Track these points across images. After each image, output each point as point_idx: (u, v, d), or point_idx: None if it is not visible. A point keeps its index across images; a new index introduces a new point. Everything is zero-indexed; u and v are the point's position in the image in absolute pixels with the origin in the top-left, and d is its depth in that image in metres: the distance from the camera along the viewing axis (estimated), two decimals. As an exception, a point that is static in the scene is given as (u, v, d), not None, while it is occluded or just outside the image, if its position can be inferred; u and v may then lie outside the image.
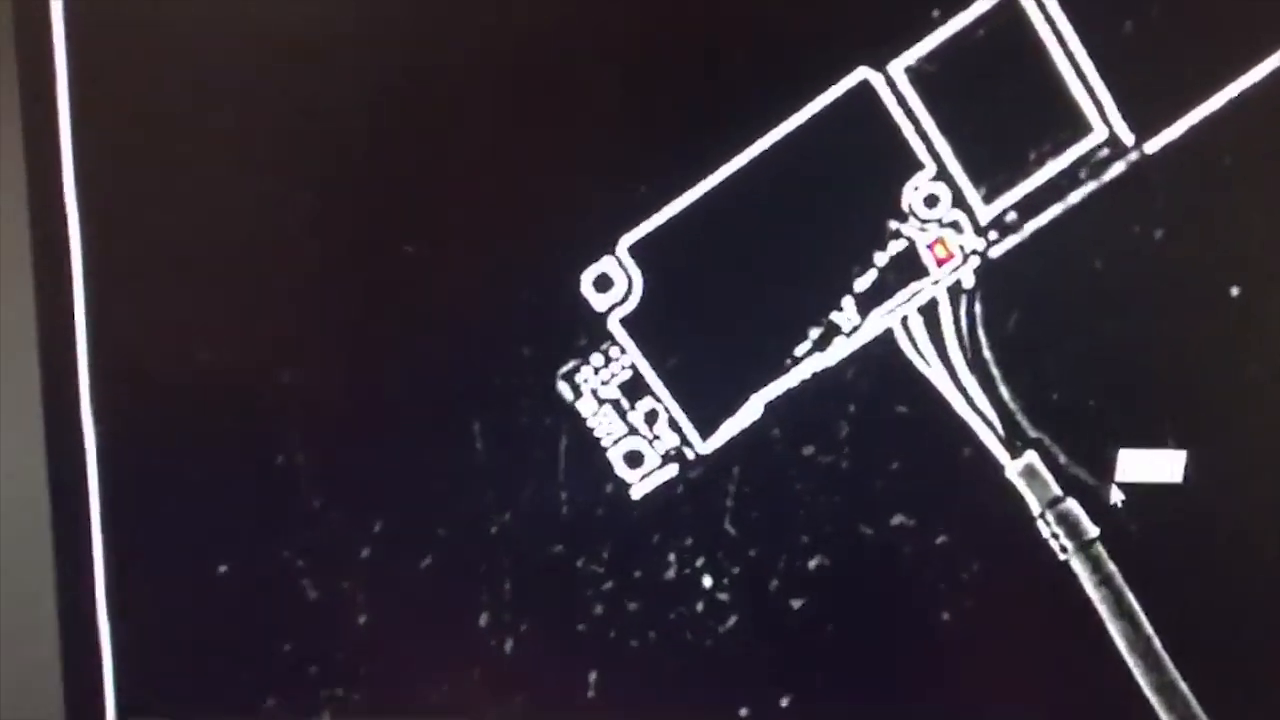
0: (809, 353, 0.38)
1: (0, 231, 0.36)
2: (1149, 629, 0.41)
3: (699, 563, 0.39)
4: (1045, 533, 0.40)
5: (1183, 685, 0.41)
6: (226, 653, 0.39)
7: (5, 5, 0.35)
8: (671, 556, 0.39)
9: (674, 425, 0.38)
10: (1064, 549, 0.40)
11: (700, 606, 0.39)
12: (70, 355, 0.36)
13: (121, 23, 0.35)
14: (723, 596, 0.39)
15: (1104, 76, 0.36)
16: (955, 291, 0.38)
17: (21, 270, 0.36)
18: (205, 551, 0.38)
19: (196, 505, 0.37)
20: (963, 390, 0.38)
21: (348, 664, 0.39)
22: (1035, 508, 0.39)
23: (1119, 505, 0.40)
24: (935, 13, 0.36)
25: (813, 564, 0.39)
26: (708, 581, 0.39)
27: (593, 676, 0.40)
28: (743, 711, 0.40)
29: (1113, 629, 0.41)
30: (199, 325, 0.37)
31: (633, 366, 0.37)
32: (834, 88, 0.36)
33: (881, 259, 0.37)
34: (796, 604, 0.40)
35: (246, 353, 0.37)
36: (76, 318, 0.36)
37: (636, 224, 0.37)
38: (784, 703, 0.40)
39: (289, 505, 0.37)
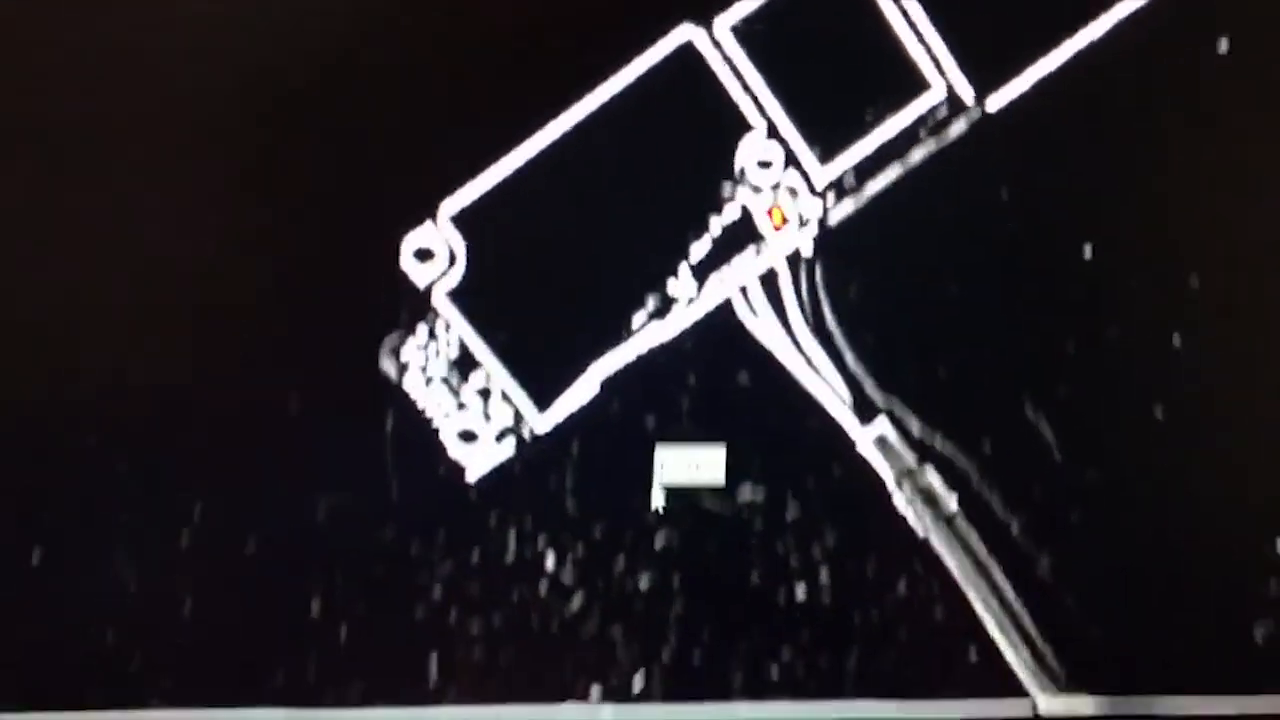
0: (646, 323, 0.37)
1: None
2: (1015, 602, 0.40)
3: (540, 543, 0.38)
4: (902, 504, 0.39)
5: (1052, 660, 0.40)
6: (48, 645, 0.37)
7: None
8: (511, 537, 0.38)
9: (508, 401, 0.37)
10: (921, 520, 0.39)
11: (544, 588, 0.38)
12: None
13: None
14: (566, 577, 0.38)
15: (942, 33, 0.35)
16: (794, 257, 0.37)
17: None
18: (19, 540, 0.36)
19: (6, 491, 0.36)
20: (808, 358, 0.37)
21: (174, 655, 0.37)
22: (890, 479, 0.38)
23: (976, 476, 0.39)
24: (762, -33, 0.35)
25: (659, 542, 0.38)
26: (550, 562, 0.38)
27: (433, 662, 0.38)
28: (593, 692, 0.39)
29: (975, 599, 0.40)
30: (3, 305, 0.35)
31: (460, 341, 0.36)
32: (657, 46, 0.35)
33: (717, 225, 0.36)
34: (644, 583, 0.38)
35: (56, 333, 0.35)
36: None
37: (457, 191, 0.35)
38: (636, 682, 0.39)
39: (105, 490, 0.36)
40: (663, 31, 0.35)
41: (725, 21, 0.35)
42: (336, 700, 0.38)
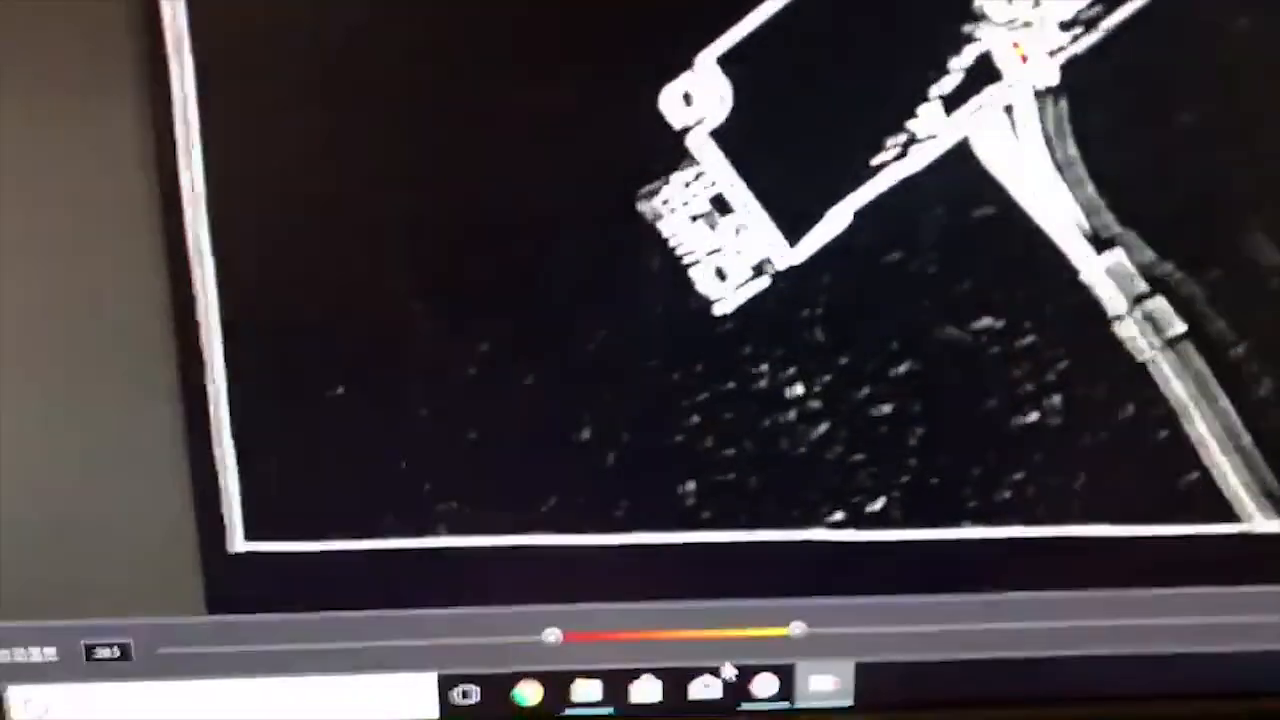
0: (892, 160, 0.38)
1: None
2: (1239, 423, 0.41)
3: (789, 372, 0.40)
4: (1132, 330, 0.40)
5: (1273, 481, 0.42)
6: (344, 475, 0.41)
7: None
8: (763, 367, 0.40)
9: (761, 238, 0.39)
10: (1150, 345, 0.40)
11: (792, 414, 0.41)
12: (178, 184, 0.38)
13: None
14: (814, 404, 0.41)
15: None
16: (1036, 91, 0.38)
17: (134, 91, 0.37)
18: (320, 377, 0.40)
19: (310, 333, 0.39)
20: (1046, 189, 0.39)
21: (460, 479, 0.41)
22: (1122, 306, 0.40)
23: (1206, 299, 0.40)
24: None
25: (901, 369, 0.40)
26: (799, 390, 0.41)
27: (691, 485, 0.41)
28: (836, 515, 0.42)
29: (1198, 426, 0.41)
30: (309, 151, 0.38)
31: (717, 182, 0.38)
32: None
33: (960, 63, 0.38)
34: (886, 409, 0.41)
35: (353, 180, 0.38)
36: (191, 142, 0.37)
37: (717, 37, 0.37)
38: (876, 506, 0.42)
39: (399, 327, 0.39)
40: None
41: None
42: (602, 526, 0.42)
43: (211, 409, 0.40)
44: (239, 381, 0.39)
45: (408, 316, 0.39)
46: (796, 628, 0.44)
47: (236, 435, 0.40)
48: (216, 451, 0.40)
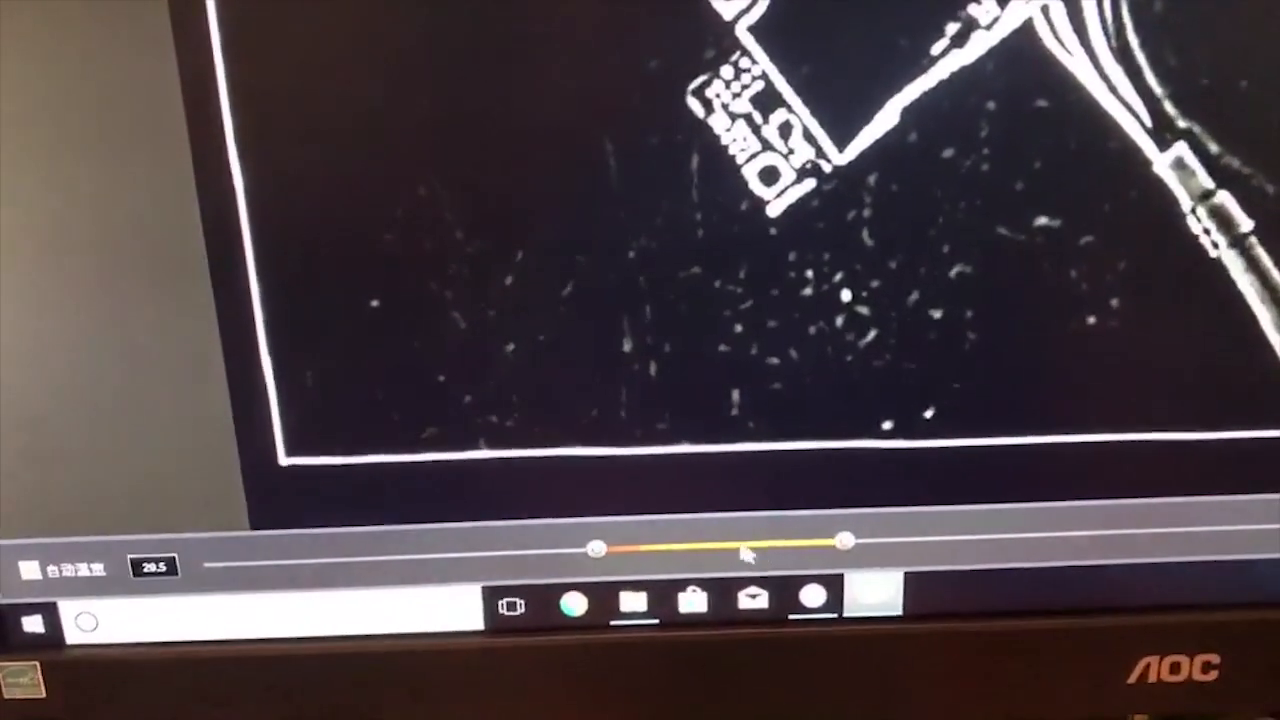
0: (946, 50, 0.37)
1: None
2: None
3: (837, 278, 0.39)
4: (1196, 228, 0.39)
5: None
6: (384, 388, 0.40)
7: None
8: (810, 273, 0.39)
9: (809, 137, 0.37)
10: (1215, 244, 0.39)
11: (840, 321, 0.40)
12: (216, 109, 0.37)
13: None
14: (862, 310, 0.39)
15: None
16: (1100, -27, 0.36)
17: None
18: (356, 288, 0.39)
19: (345, 243, 0.38)
20: (1107, 80, 0.37)
21: (499, 392, 0.40)
22: (1186, 203, 0.38)
23: (1272, 197, 0.38)
24: None
25: (953, 272, 0.39)
26: (846, 296, 0.39)
27: (735, 395, 0.41)
28: (886, 424, 0.41)
29: (1268, 322, 0.40)
30: (340, 55, 0.36)
31: (764, 76, 0.37)
32: None
33: (1020, -58, 0.36)
34: (937, 314, 0.40)
35: (384, 88, 0.37)
36: (216, 70, 0.36)
37: (762, -78, 0.35)
38: (928, 414, 0.41)
39: (433, 237, 0.38)
40: None
41: None
42: (645, 438, 0.41)
43: (249, 323, 0.39)
44: (275, 297, 0.39)
45: (443, 225, 0.38)
46: (844, 538, 0.43)
47: (274, 350, 0.39)
48: (256, 367, 0.40)
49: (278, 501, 0.42)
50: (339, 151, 0.37)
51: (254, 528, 0.42)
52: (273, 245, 0.38)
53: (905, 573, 0.44)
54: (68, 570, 0.43)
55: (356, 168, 0.38)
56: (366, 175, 0.38)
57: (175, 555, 0.42)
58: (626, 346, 0.40)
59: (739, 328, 0.40)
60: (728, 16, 0.36)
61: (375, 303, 0.39)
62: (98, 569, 0.43)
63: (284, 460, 0.41)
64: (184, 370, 0.40)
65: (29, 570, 0.43)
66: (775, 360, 0.40)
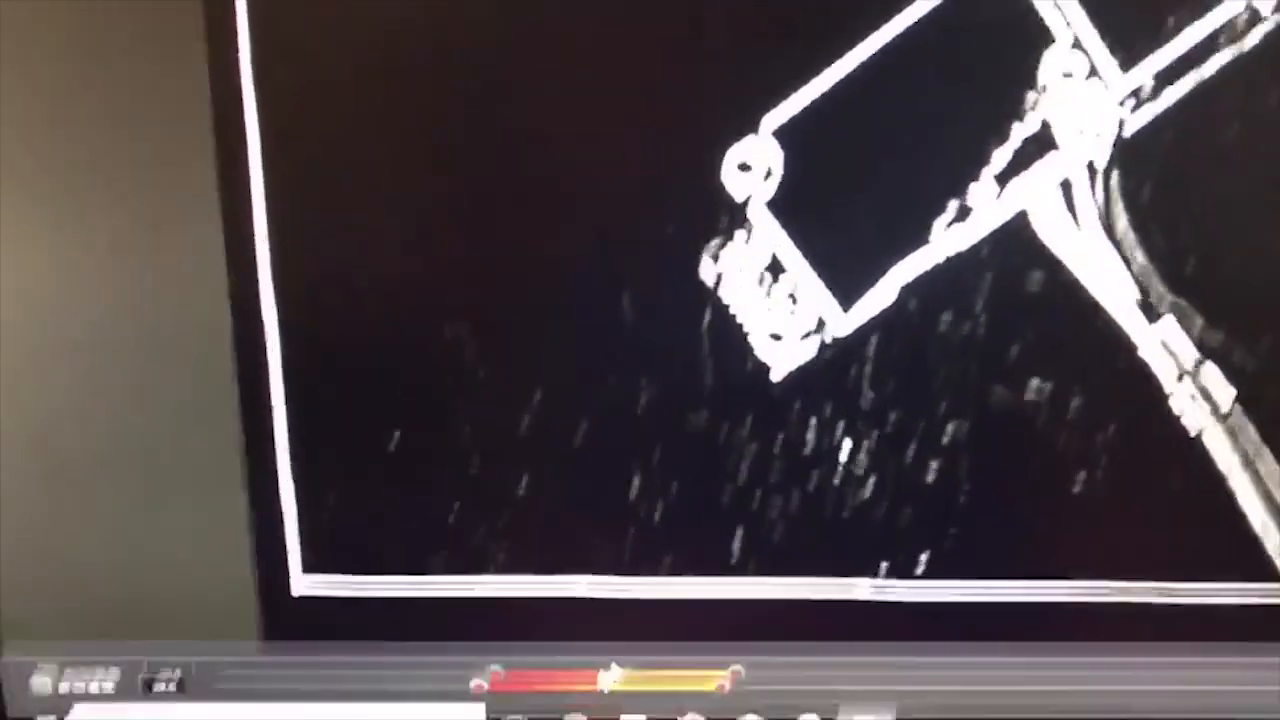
0: (946, 228, 0.39)
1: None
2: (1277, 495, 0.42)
3: (838, 431, 0.41)
4: (1182, 401, 0.40)
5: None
6: (399, 516, 0.42)
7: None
8: (812, 426, 0.41)
9: (814, 304, 0.40)
10: (1201, 415, 0.41)
11: (840, 472, 0.41)
12: (250, 247, 0.39)
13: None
14: (861, 461, 0.41)
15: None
16: (1091, 165, 0.38)
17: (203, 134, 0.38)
18: (378, 424, 0.41)
19: (369, 381, 0.40)
20: (1099, 257, 0.39)
21: (510, 526, 0.42)
22: (1172, 373, 0.40)
23: (1254, 372, 0.40)
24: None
25: (949, 430, 0.41)
26: (847, 449, 0.41)
27: (737, 539, 0.42)
28: (882, 566, 0.43)
29: (1250, 496, 0.41)
30: (370, 221, 0.39)
31: (773, 249, 0.39)
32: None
33: (1018, 133, 0.38)
34: (933, 467, 0.41)
35: (413, 237, 0.39)
36: (255, 206, 0.39)
37: (776, 106, 0.38)
38: (922, 559, 0.42)
39: (454, 378, 0.40)
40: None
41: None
42: (650, 571, 0.42)
43: (277, 455, 0.41)
44: (299, 429, 0.40)
45: (464, 368, 0.40)
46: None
47: (296, 479, 0.41)
48: (277, 495, 0.41)
49: (290, 618, 0.43)
50: (369, 290, 0.39)
51: (265, 639, 0.43)
52: (300, 384, 0.40)
53: None
54: (78, 686, 0.44)
55: (385, 307, 0.40)
56: (394, 315, 0.40)
57: (183, 675, 0.44)
58: (634, 490, 0.41)
59: (743, 476, 0.41)
60: (741, 196, 0.38)
61: (395, 439, 0.41)
62: (108, 686, 0.44)
63: (299, 582, 0.42)
64: (205, 499, 0.41)
65: (40, 685, 0.44)
66: (777, 507, 0.42)
